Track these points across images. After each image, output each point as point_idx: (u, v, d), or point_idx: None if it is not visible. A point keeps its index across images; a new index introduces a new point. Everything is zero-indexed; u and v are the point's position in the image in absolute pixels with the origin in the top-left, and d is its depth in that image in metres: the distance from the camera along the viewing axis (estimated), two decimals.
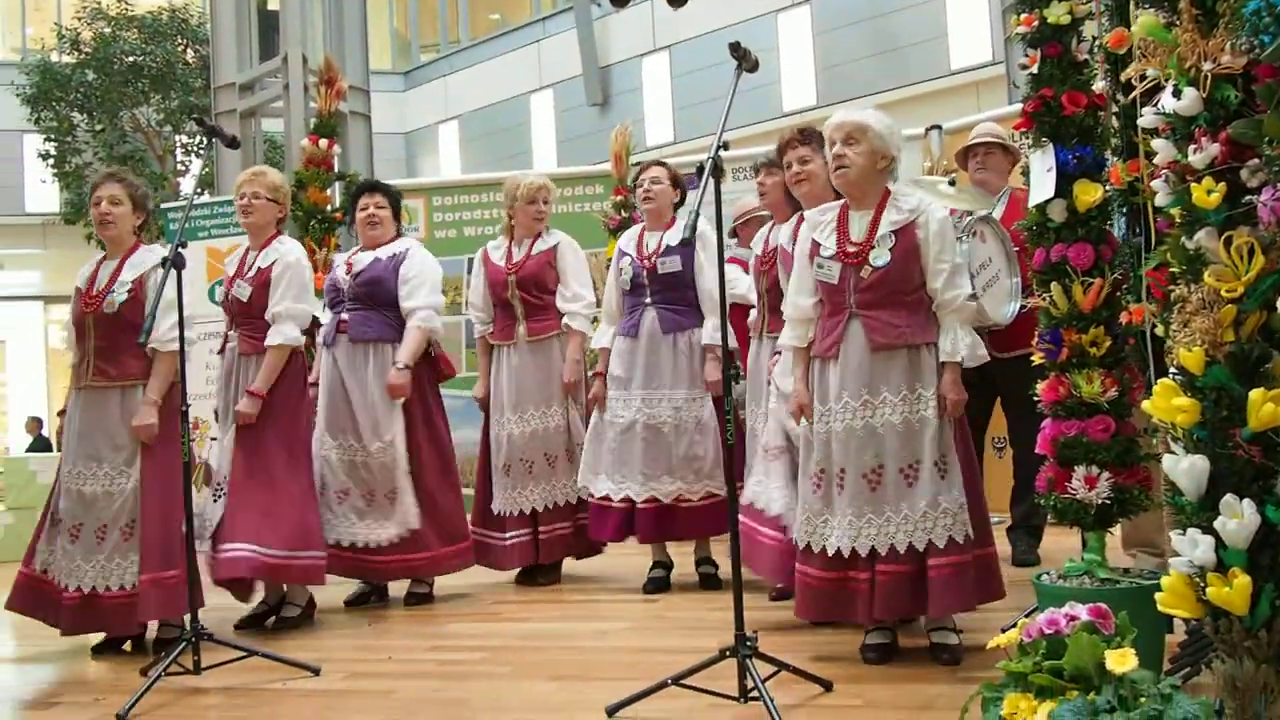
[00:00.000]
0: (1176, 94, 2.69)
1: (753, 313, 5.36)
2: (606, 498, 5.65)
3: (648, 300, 5.70)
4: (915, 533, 3.89)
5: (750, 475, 5.03)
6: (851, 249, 4.03)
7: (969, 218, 5.08)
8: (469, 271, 7.67)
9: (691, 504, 5.57)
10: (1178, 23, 2.71)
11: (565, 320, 5.96)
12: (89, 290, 4.99)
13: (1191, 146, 2.63)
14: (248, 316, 5.31)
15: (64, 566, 4.87)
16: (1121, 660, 2.54)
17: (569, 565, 6.27)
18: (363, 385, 5.61)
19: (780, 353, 4.84)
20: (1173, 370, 2.68)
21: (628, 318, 5.75)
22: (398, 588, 5.92)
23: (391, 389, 5.54)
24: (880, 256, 3.98)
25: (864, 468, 3.95)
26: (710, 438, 5.57)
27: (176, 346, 4.78)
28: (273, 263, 5.31)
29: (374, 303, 5.67)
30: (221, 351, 5.48)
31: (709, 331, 5.58)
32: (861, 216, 4.08)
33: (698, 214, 3.52)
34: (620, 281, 5.80)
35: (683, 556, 5.92)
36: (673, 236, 5.67)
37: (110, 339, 4.90)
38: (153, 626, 5.07)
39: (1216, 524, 2.48)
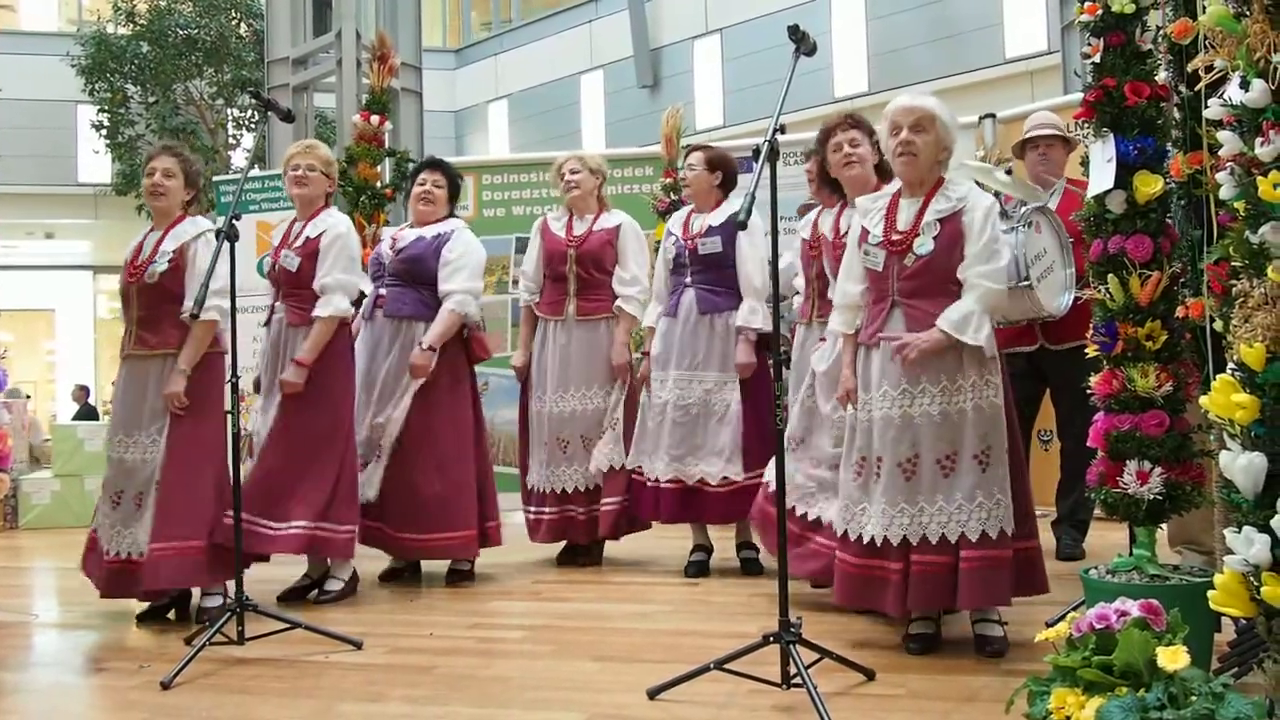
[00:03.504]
0: (1244, 85, 2.65)
1: (799, 299, 5.33)
2: (640, 474, 5.72)
3: (688, 280, 5.70)
4: (949, 524, 3.86)
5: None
6: (896, 236, 4.00)
7: (1024, 208, 5.03)
8: (516, 250, 7.67)
9: (712, 488, 5.56)
10: (1248, 14, 2.67)
11: (619, 303, 5.95)
12: (134, 260, 5.04)
13: (1259, 139, 2.60)
14: (295, 287, 5.33)
15: (107, 533, 4.95)
16: (1173, 658, 2.51)
17: (610, 547, 6.28)
18: (386, 359, 5.64)
19: (824, 339, 4.83)
20: (1232, 366, 2.65)
21: (670, 298, 5.77)
22: (429, 564, 5.97)
23: (413, 368, 5.53)
24: (924, 245, 3.94)
25: (899, 457, 3.92)
26: (732, 424, 5.56)
27: (212, 316, 4.83)
28: (321, 233, 5.33)
29: (413, 280, 5.68)
30: (268, 323, 5.49)
31: (743, 313, 5.56)
32: (911, 204, 4.04)
33: (753, 196, 3.50)
34: (666, 261, 5.82)
35: (724, 541, 5.91)
36: (715, 218, 5.67)
37: (151, 308, 4.95)
38: (196, 594, 5.12)
39: (1273, 522, 2.45)
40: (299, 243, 5.35)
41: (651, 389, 5.74)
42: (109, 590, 5.00)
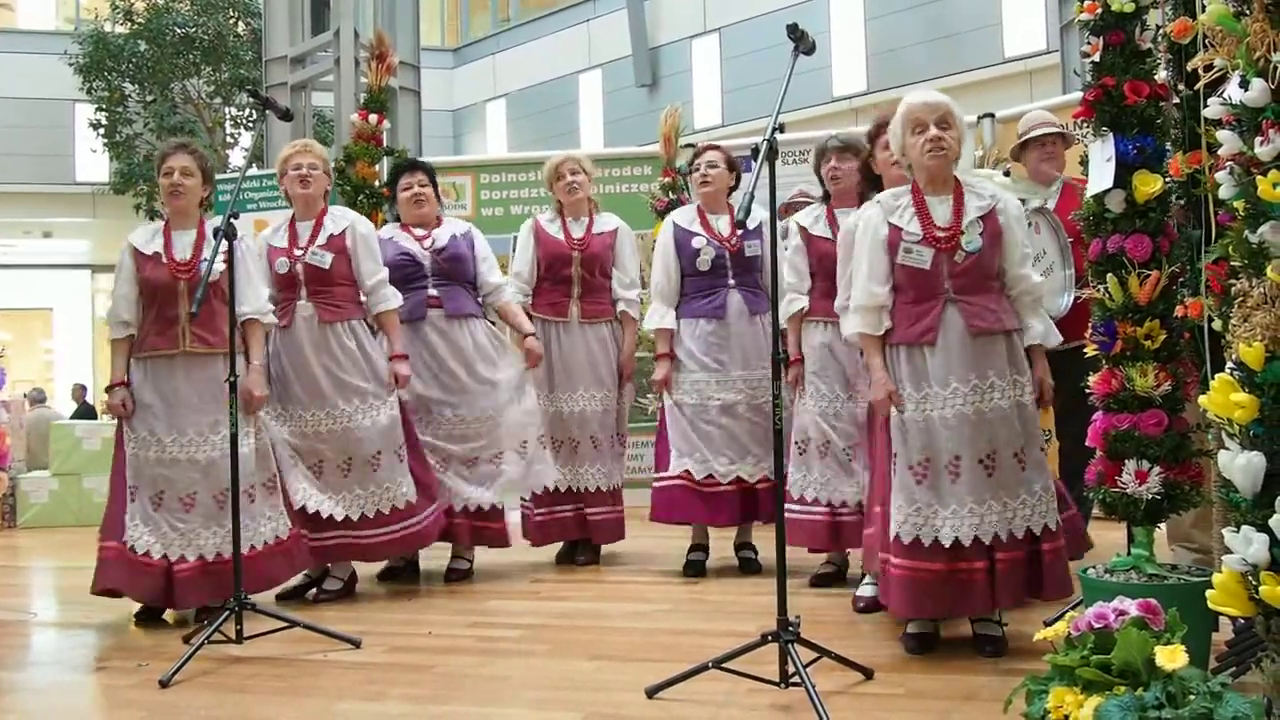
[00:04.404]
0: (1244, 85, 2.65)
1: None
2: (711, 479, 5.59)
3: (731, 283, 5.66)
4: (1033, 517, 3.88)
5: (792, 466, 5.16)
6: (940, 233, 3.95)
7: (1024, 208, 5.03)
8: (514, 249, 7.69)
9: (769, 485, 5.55)
10: (1248, 13, 2.67)
11: (622, 307, 6.01)
12: (170, 258, 4.94)
13: (1258, 139, 2.60)
14: (325, 284, 5.31)
15: (173, 538, 4.84)
16: (1172, 657, 2.51)
17: (608, 546, 6.27)
18: (468, 357, 5.71)
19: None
20: (1231, 365, 2.65)
21: (706, 299, 5.68)
22: (428, 562, 5.99)
23: (533, 357, 5.78)
24: (972, 241, 3.92)
25: (979, 453, 3.88)
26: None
27: (271, 319, 5.08)
28: (344, 229, 5.37)
29: (458, 278, 5.77)
30: (286, 324, 5.31)
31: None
32: (941, 202, 3.99)
33: (752, 195, 3.49)
34: (699, 262, 5.68)
35: (723, 540, 5.91)
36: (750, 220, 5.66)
37: (208, 307, 4.84)
38: None
39: (1272, 522, 2.45)
40: (322, 240, 5.35)
41: (696, 390, 5.65)
42: (191, 599, 4.89)
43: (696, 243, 5.70)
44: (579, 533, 6.08)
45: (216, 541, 4.85)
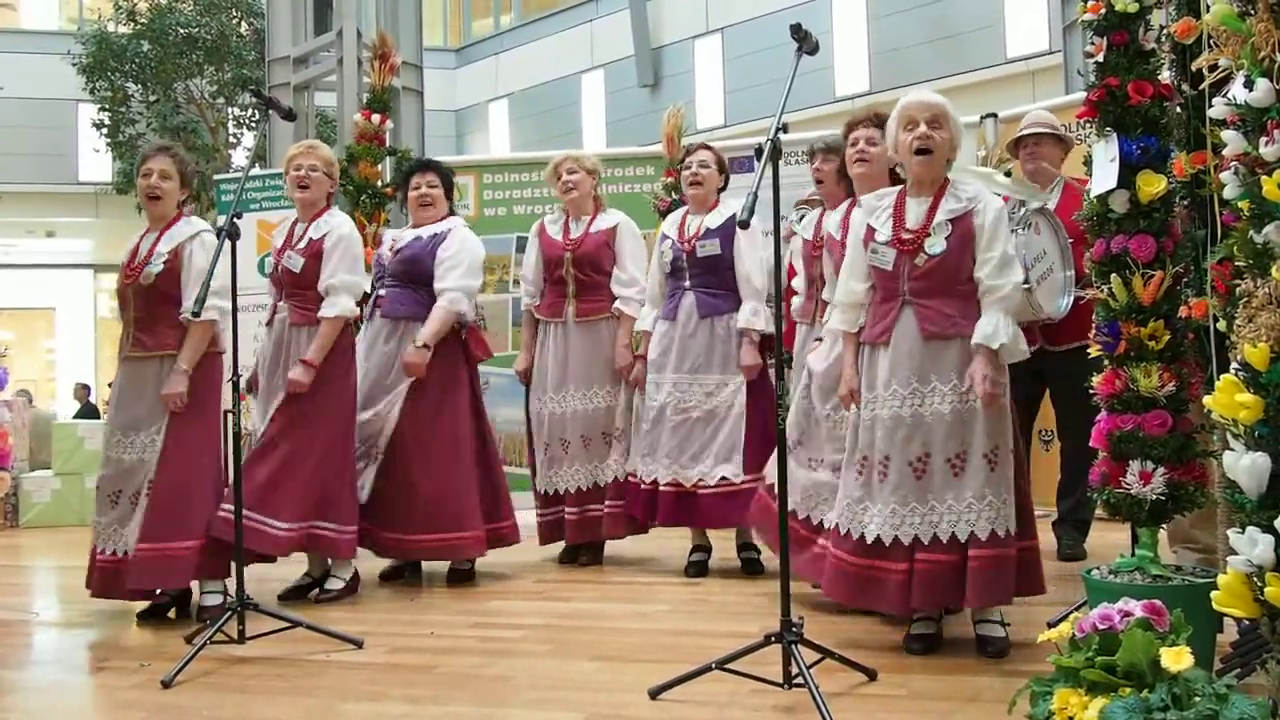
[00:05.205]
0: (1249, 85, 2.65)
1: (799, 299, 5.31)
2: (635, 477, 5.74)
3: (687, 284, 5.69)
4: (959, 523, 3.86)
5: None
6: (906, 236, 3.97)
7: (1024, 209, 5.02)
8: (518, 250, 7.66)
9: (708, 491, 5.55)
10: (1252, 13, 2.66)
11: (618, 304, 5.95)
12: (130, 262, 5.03)
13: (1263, 139, 2.59)
14: (299, 288, 5.33)
15: (103, 532, 4.96)
16: (1177, 658, 2.51)
17: (610, 547, 6.27)
18: (384, 359, 5.63)
19: (820, 339, 4.83)
20: (1235, 366, 2.64)
21: (668, 301, 5.75)
22: (430, 564, 5.97)
23: (407, 366, 5.50)
24: (935, 245, 3.93)
25: (910, 456, 3.92)
26: (732, 426, 5.56)
27: (211, 317, 4.86)
28: (325, 234, 5.34)
29: (411, 280, 5.67)
30: (270, 323, 5.47)
31: (745, 315, 5.56)
32: (919, 203, 4.02)
33: (756, 196, 3.48)
34: (662, 264, 5.78)
35: (725, 541, 5.91)
36: (713, 220, 5.68)
37: (148, 309, 4.95)
38: (196, 592, 5.12)
39: (1277, 523, 2.44)
40: (302, 244, 5.35)
41: (646, 393, 5.75)
42: (100, 590, 5.00)
43: (664, 245, 5.78)
44: (575, 535, 6.07)
45: (126, 541, 4.90)
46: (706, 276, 5.66)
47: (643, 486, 5.69)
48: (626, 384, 5.97)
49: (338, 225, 5.41)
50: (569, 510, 6.00)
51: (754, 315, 5.53)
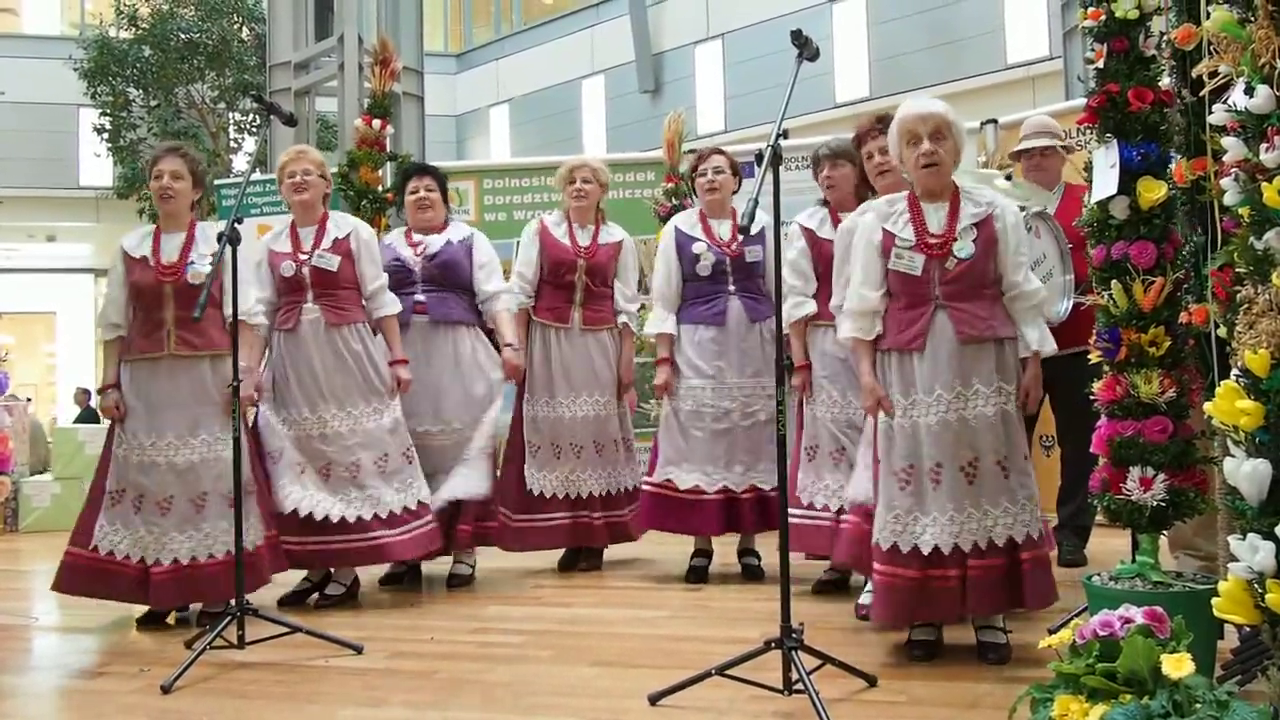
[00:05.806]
0: (1249, 91, 2.65)
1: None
2: (697, 489, 5.56)
3: (731, 289, 5.64)
4: (1014, 525, 3.87)
5: (801, 471, 5.14)
6: (933, 240, 3.95)
7: (1023, 214, 5.02)
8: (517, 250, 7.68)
9: (767, 494, 5.55)
10: (1252, 19, 2.66)
11: (624, 319, 6.04)
12: (157, 261, 4.95)
13: (1263, 145, 2.59)
14: (332, 287, 5.31)
15: (148, 542, 4.86)
16: (1178, 665, 2.50)
17: (610, 551, 6.28)
18: (447, 365, 5.69)
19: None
20: (1236, 372, 2.64)
21: (706, 305, 5.65)
22: (430, 568, 5.99)
23: (510, 369, 5.75)
24: (964, 248, 3.92)
25: (960, 461, 3.88)
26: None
27: (261, 320, 5.09)
28: (349, 233, 5.40)
29: (450, 284, 5.74)
30: (292, 328, 5.31)
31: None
32: (937, 209, 4.00)
33: (756, 201, 3.48)
34: (697, 268, 5.68)
35: (726, 546, 5.90)
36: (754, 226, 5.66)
37: (191, 309, 4.73)
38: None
39: (1278, 529, 2.44)
40: (328, 244, 5.35)
41: (690, 398, 5.63)
42: (166, 601, 4.94)
43: (697, 248, 5.69)
44: (572, 540, 6.07)
45: (191, 546, 4.86)
46: (747, 281, 5.66)
47: (708, 496, 5.54)
48: (627, 394, 6.08)
49: (357, 224, 5.52)
50: (596, 515, 6.01)
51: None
